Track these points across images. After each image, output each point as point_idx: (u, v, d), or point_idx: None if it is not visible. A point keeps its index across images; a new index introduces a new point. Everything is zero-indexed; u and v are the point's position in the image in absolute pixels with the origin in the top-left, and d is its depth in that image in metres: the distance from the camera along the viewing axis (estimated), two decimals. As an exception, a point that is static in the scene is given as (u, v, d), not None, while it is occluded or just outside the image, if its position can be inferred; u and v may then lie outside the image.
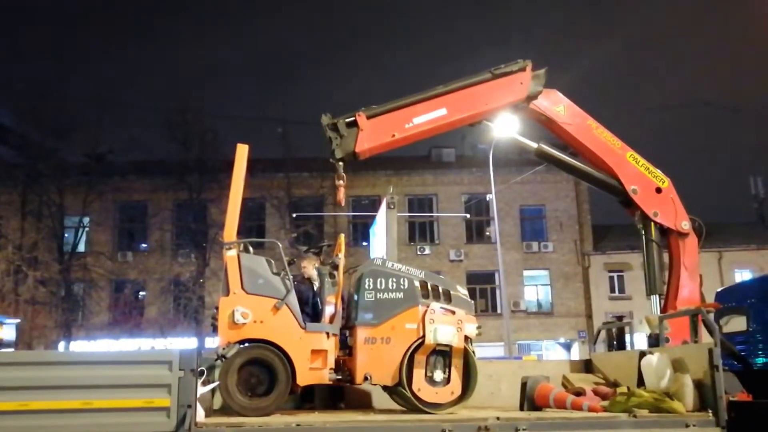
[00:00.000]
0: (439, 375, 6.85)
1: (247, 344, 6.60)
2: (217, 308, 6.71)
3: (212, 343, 30.01)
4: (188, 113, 31.93)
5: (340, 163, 7.76)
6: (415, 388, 6.76)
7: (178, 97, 32.52)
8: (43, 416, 5.11)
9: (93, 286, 32.06)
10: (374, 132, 7.87)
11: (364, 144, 7.81)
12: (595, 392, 7.43)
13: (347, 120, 7.82)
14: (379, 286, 6.89)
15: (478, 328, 7.04)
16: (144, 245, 35.44)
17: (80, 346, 29.83)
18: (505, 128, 8.92)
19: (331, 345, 6.78)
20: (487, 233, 35.82)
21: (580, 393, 7.32)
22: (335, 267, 7.20)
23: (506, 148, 27.74)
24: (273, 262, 6.96)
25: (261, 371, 6.55)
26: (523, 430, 5.94)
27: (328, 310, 6.96)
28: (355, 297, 6.97)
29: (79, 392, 5.20)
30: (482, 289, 33.79)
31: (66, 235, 31.99)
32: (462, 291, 7.24)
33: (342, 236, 7.39)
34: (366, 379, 6.76)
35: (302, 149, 32.31)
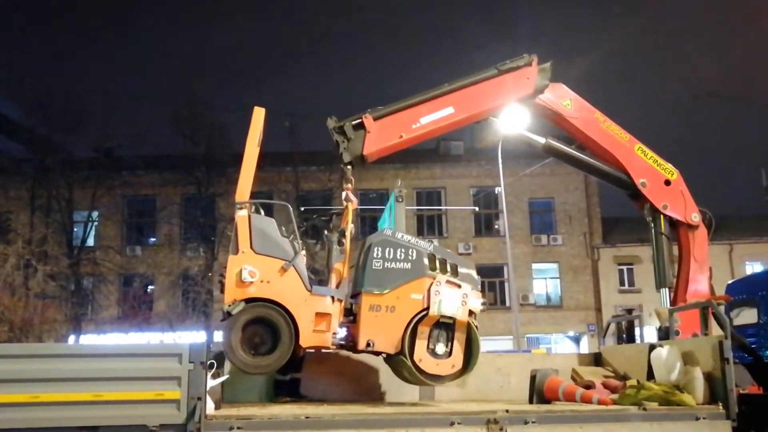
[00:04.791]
0: (441, 348, 6.86)
1: (252, 303, 6.60)
2: (225, 267, 6.74)
3: (221, 336, 30.31)
4: (195, 107, 32.02)
5: (349, 167, 7.70)
6: (416, 358, 6.77)
7: (186, 91, 32.64)
8: (54, 408, 5.14)
9: (102, 280, 32.25)
10: (381, 133, 7.81)
11: (372, 146, 7.75)
12: (605, 385, 7.42)
13: (354, 122, 7.75)
14: (387, 256, 6.89)
15: (483, 304, 7.05)
16: (153, 239, 35.66)
17: (90, 339, 30.03)
18: (512, 124, 8.87)
19: (335, 309, 6.80)
20: (496, 226, 35.81)
21: (589, 386, 7.30)
22: (343, 234, 7.24)
23: (515, 140, 27.68)
24: (283, 228, 7.00)
25: (265, 330, 6.58)
26: (532, 422, 5.93)
27: (335, 276, 7.01)
28: (363, 265, 6.98)
29: (90, 384, 5.22)
30: (491, 282, 33.78)
31: (75, 229, 32.20)
32: (469, 266, 7.24)
33: (350, 205, 7.37)
34: (368, 345, 6.77)
35: (310, 143, 32.42)
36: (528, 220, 36.00)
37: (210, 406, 5.66)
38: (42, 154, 30.53)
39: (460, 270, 7.06)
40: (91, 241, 33.23)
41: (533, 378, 7.42)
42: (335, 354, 7.45)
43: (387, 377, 7.97)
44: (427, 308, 6.76)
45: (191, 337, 28.51)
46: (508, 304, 32.51)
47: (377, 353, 7.08)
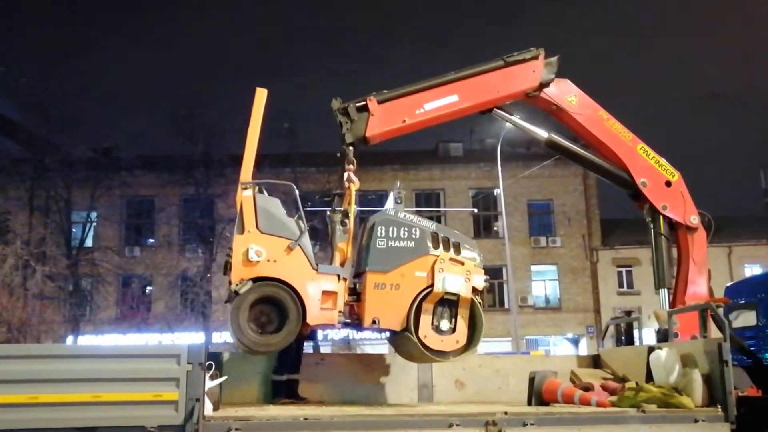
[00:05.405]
0: (445, 324, 6.97)
1: (260, 282, 6.64)
2: (231, 248, 6.79)
3: (219, 338, 30.25)
4: (194, 108, 31.95)
5: (350, 148, 7.71)
6: (421, 334, 6.85)
7: (184, 91, 32.62)
8: (52, 408, 5.13)
9: (100, 281, 32.19)
10: (385, 117, 7.83)
11: (375, 129, 7.77)
12: (604, 387, 7.41)
13: (358, 105, 7.77)
14: (391, 235, 6.96)
15: (486, 281, 7.16)
16: (151, 240, 35.63)
17: (88, 340, 29.98)
18: (515, 117, 8.87)
19: (341, 288, 6.86)
20: (495, 228, 35.83)
21: (588, 388, 7.30)
22: (346, 215, 7.31)
23: (514, 142, 27.76)
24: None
25: (272, 309, 6.65)
26: (531, 424, 5.92)
27: (339, 256, 7.07)
28: (367, 244, 7.03)
29: (89, 385, 5.21)
30: (490, 284, 33.66)
31: (73, 230, 32.14)
32: (472, 244, 7.34)
33: (353, 186, 7.43)
34: (374, 322, 6.84)
35: (309, 144, 32.31)
36: (527, 221, 36.00)
37: (208, 407, 5.64)
38: (40, 154, 30.46)
39: (463, 248, 7.16)
40: (89, 242, 33.18)
41: (532, 380, 7.41)
42: (334, 356, 7.45)
43: (385, 379, 7.98)
44: (432, 285, 6.85)
45: (189, 338, 28.45)
46: (506, 305, 32.51)
47: (382, 330, 7.15)
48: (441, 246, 7.03)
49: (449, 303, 6.98)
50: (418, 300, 6.85)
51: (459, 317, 6.99)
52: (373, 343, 32.45)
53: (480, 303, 7.14)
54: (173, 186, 33.03)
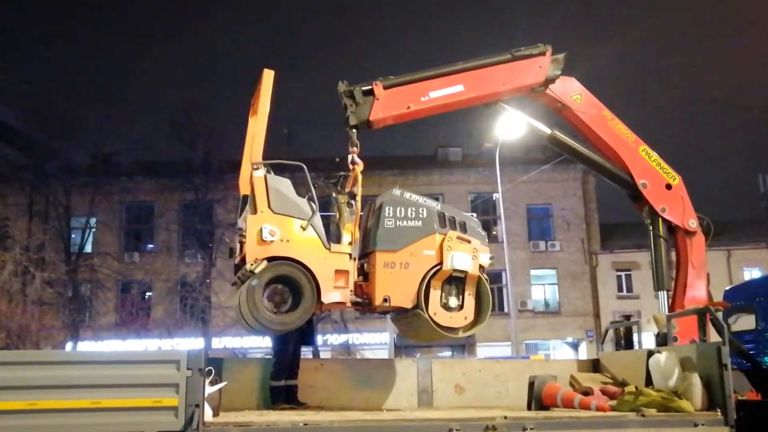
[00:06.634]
0: (453, 301, 7.14)
1: (274, 261, 6.68)
2: (240, 228, 6.85)
3: (219, 343, 30.18)
4: (193, 114, 31.97)
5: (354, 131, 7.76)
6: (431, 311, 6.98)
7: (183, 97, 32.58)
8: (51, 415, 5.11)
9: (100, 286, 32.20)
10: (390, 102, 7.89)
11: (379, 113, 7.83)
12: (603, 392, 7.40)
13: (364, 88, 7.82)
14: (398, 214, 7.11)
15: (491, 258, 7.33)
16: (150, 246, 35.64)
17: (87, 346, 29.96)
18: (518, 113, 8.89)
19: (352, 267, 6.96)
20: (494, 232, 35.77)
21: (587, 392, 7.28)
22: (353, 196, 7.42)
23: (513, 147, 27.78)
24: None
25: (285, 289, 6.71)
26: (531, 429, 5.91)
27: (347, 237, 7.16)
28: (375, 224, 7.13)
29: (88, 392, 5.20)
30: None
31: (73, 235, 32.16)
32: (477, 223, 7.51)
33: (358, 168, 7.53)
34: (385, 300, 6.93)
35: (308, 150, 32.28)
36: (526, 226, 36.04)
37: (208, 413, 5.64)
38: (40, 160, 30.51)
39: (468, 225, 7.35)
40: (89, 248, 33.20)
41: (531, 384, 7.40)
42: (333, 361, 7.46)
43: (385, 384, 7.97)
44: (440, 263, 7.00)
45: (189, 343, 28.44)
46: (506, 310, 32.45)
47: (386, 313, 7.31)
48: (447, 225, 7.19)
49: (456, 280, 7.13)
50: (427, 278, 6.98)
51: (467, 294, 7.16)
52: (373, 348, 32.45)
53: (486, 280, 7.31)
54: (172, 191, 33.03)
